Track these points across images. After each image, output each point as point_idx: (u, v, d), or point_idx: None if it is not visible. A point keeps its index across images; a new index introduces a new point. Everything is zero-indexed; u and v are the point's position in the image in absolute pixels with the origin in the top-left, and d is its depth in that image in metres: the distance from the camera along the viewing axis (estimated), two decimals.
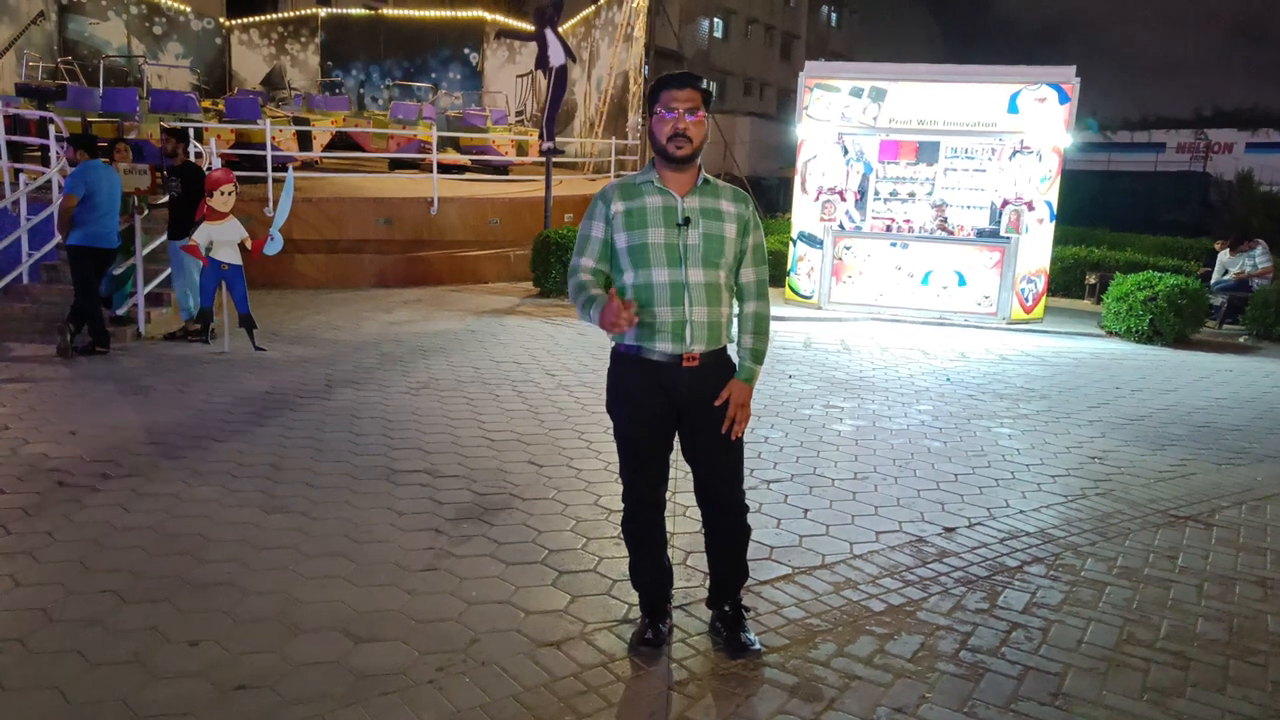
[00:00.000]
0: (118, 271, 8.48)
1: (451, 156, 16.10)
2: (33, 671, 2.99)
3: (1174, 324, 10.42)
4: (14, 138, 10.56)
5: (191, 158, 8.67)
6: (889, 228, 11.93)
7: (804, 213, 12.34)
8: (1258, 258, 12.40)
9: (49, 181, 9.46)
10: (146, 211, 8.84)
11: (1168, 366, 9.26)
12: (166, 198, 9.39)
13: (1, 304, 8.76)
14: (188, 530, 4.17)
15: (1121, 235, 19.56)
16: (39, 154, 11.20)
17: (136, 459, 5.12)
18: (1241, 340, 11.27)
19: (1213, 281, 12.74)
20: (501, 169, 16.93)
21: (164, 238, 8.98)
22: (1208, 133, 37.67)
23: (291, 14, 27.30)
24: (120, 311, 8.59)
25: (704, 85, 3.03)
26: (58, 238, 8.69)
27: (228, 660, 3.09)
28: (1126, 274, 11.51)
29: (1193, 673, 3.29)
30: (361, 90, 24.95)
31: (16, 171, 10.00)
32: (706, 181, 3.09)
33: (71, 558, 3.84)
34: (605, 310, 2.87)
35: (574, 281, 3.08)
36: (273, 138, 12.34)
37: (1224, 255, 12.90)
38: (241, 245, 7.91)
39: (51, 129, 9.81)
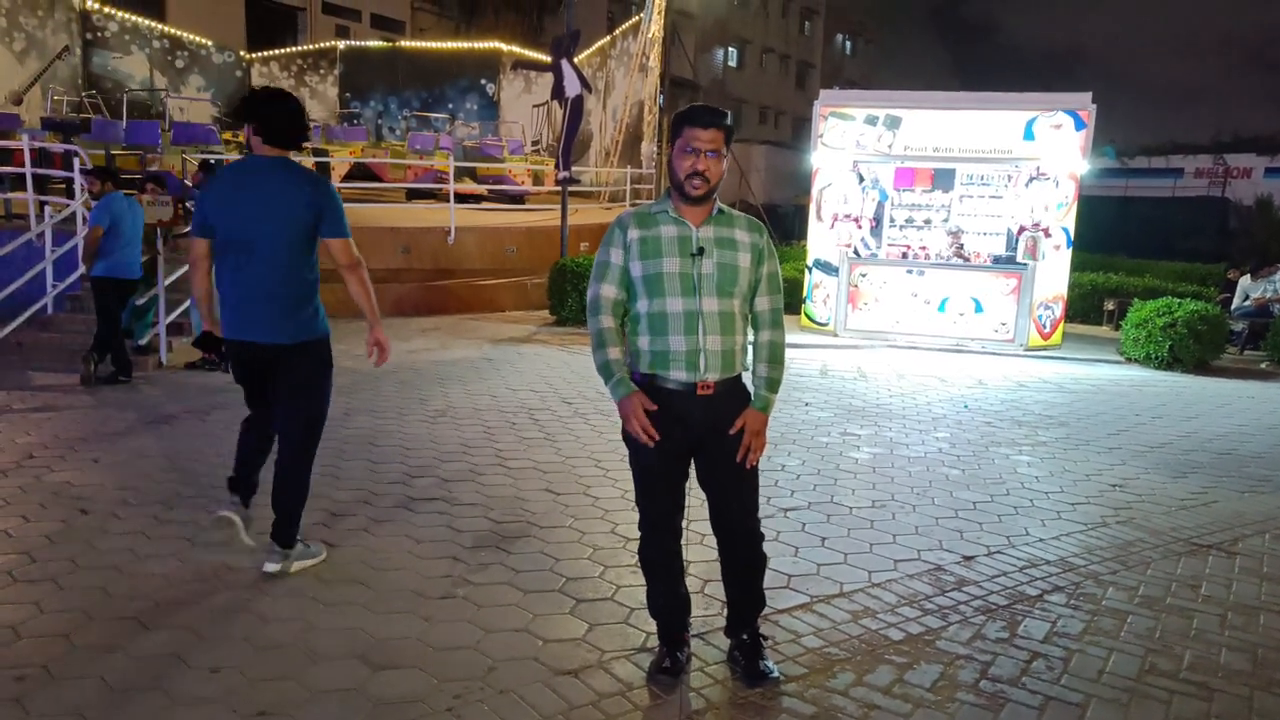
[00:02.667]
0: (140, 302, 8.59)
1: (468, 186, 16.28)
2: (56, 697, 3.01)
3: (1194, 350, 10.35)
4: (40, 170, 10.76)
5: None
6: (905, 255, 11.94)
7: (819, 240, 12.37)
8: (1278, 283, 12.32)
9: (73, 213, 9.62)
10: (170, 242, 8.97)
11: (1188, 393, 9.20)
12: (189, 228, 9.53)
13: (26, 333, 8.88)
14: (208, 557, 4.20)
15: (1140, 261, 19.47)
16: (64, 186, 11.40)
17: (158, 487, 5.17)
18: (1263, 366, 11.17)
19: (1233, 307, 12.66)
20: (518, 198, 17.09)
21: (186, 268, 9.09)
22: (1226, 158, 37.49)
23: (311, 46, 27.77)
24: (142, 341, 8.69)
25: (727, 123, 3.05)
26: (82, 269, 8.83)
27: (247, 687, 3.11)
28: (1145, 300, 11.47)
29: (1216, 704, 3.25)
30: (379, 121, 25.28)
31: (42, 204, 10.17)
32: (721, 211, 3.11)
33: (94, 584, 3.87)
34: (628, 404, 3.01)
35: (595, 324, 3.10)
36: None
37: (1245, 281, 12.83)
38: None
39: (76, 162, 9.98)
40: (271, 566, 4.00)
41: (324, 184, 4.17)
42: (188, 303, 8.95)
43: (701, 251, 3.03)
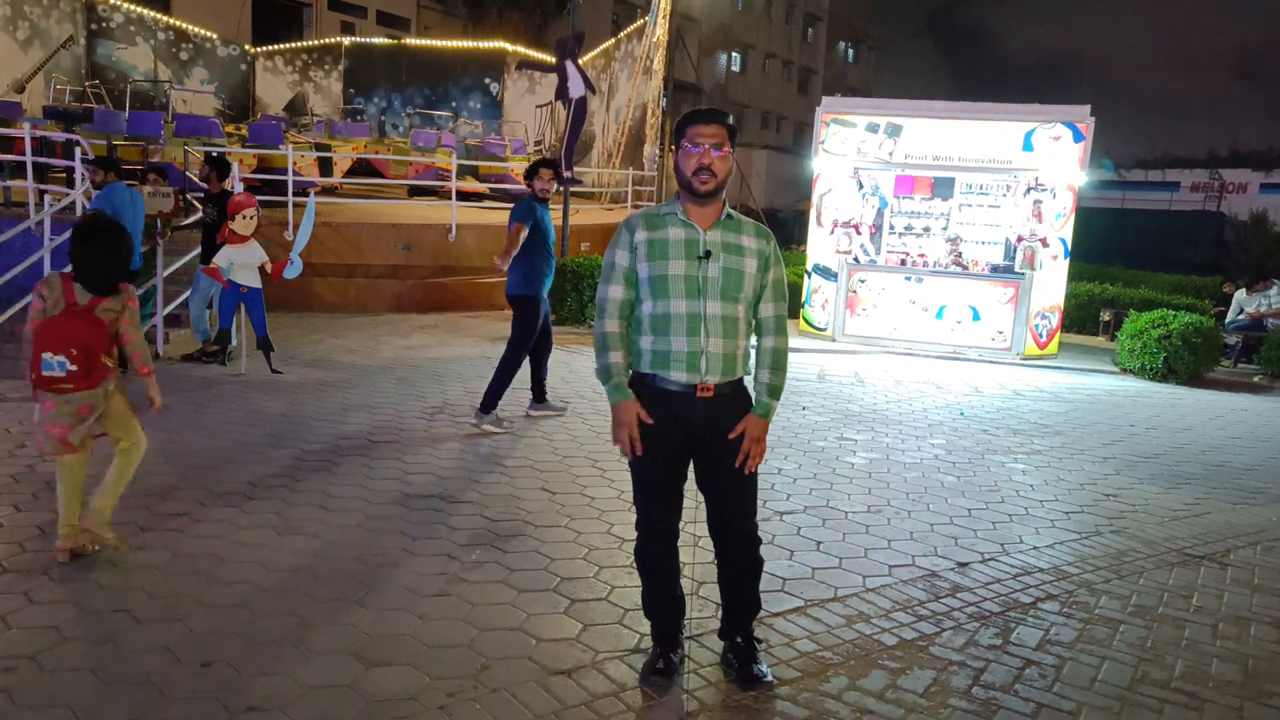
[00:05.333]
0: (138, 293, 8.58)
1: (470, 184, 16.26)
2: (45, 689, 3.01)
3: (1188, 362, 10.39)
4: (40, 159, 10.74)
5: (229, 187, 8.78)
6: (904, 262, 11.96)
7: (819, 245, 12.39)
8: (1273, 297, 12.35)
9: (73, 202, 9.60)
10: (169, 234, 8.96)
11: (1182, 405, 9.22)
12: (189, 220, 9.51)
13: (23, 323, 8.84)
14: (202, 551, 4.20)
15: (1136, 273, 19.52)
16: (64, 175, 11.38)
17: (152, 479, 5.16)
18: (1256, 380, 11.20)
19: (1228, 321, 12.69)
20: (519, 197, 17.08)
21: (186, 259, 9.11)
22: (1222, 173, 37.59)
23: (316, 42, 27.78)
24: None
25: (730, 121, 3.07)
26: None
27: (239, 682, 3.10)
28: (1141, 311, 11.49)
29: (1207, 714, 3.26)
30: (382, 118, 25.29)
31: (41, 193, 10.16)
32: (730, 216, 3.12)
33: (85, 576, 3.87)
34: (624, 410, 3.04)
35: (600, 326, 3.12)
36: (294, 163, 12.50)
37: (1240, 294, 12.87)
38: (261, 269, 8.00)
39: (77, 151, 9.96)
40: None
41: None
42: (185, 294, 8.94)
43: (708, 255, 3.04)
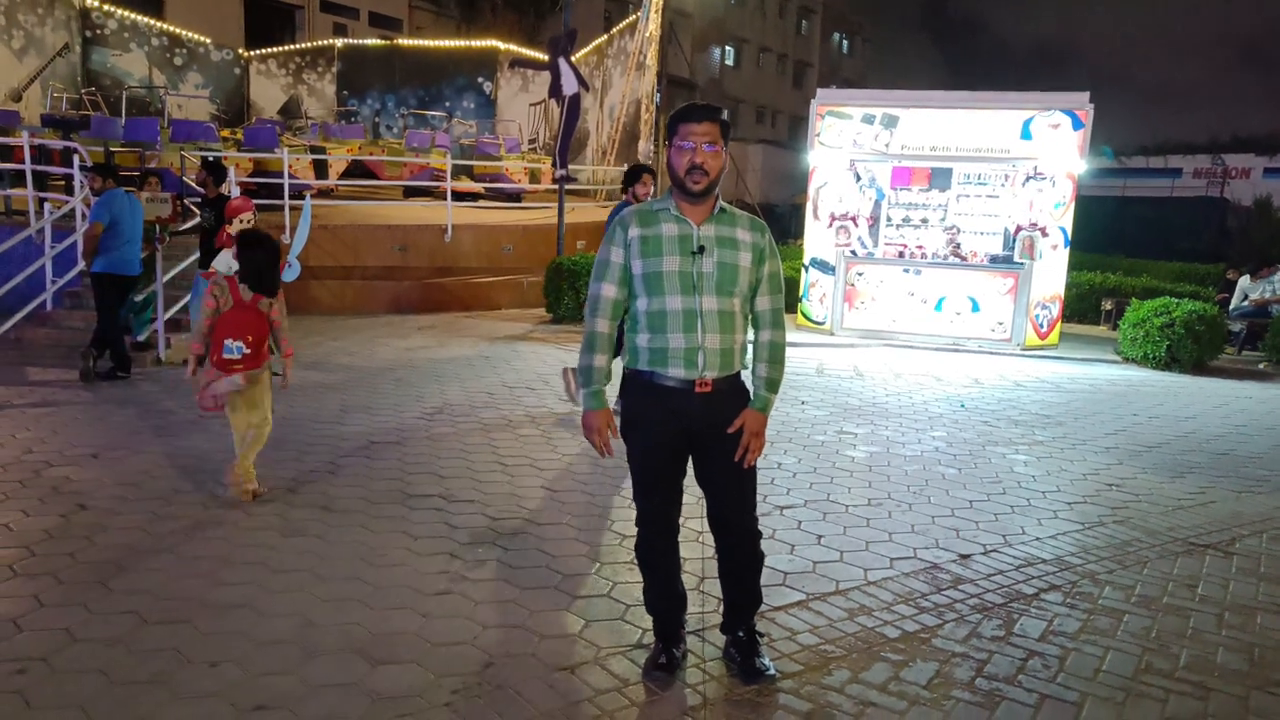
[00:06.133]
0: (139, 298, 8.59)
1: (465, 184, 16.25)
2: (56, 690, 3.02)
3: (1192, 350, 10.38)
4: (39, 167, 10.74)
5: (225, 192, 8.78)
6: (902, 254, 11.96)
7: (816, 239, 12.39)
8: (1277, 283, 12.36)
9: (72, 210, 9.61)
10: (168, 239, 8.96)
11: (1185, 393, 9.22)
12: (187, 225, 9.51)
13: (25, 329, 8.88)
14: (207, 553, 4.21)
15: (1138, 261, 19.50)
16: (63, 183, 11.38)
17: (156, 482, 5.17)
18: (1261, 367, 11.20)
19: (1231, 308, 12.69)
20: (515, 196, 17.08)
21: (185, 264, 9.11)
22: (1224, 158, 37.54)
23: (309, 44, 27.75)
24: (141, 338, 8.68)
25: (723, 117, 3.07)
26: (81, 265, 8.83)
27: (247, 681, 3.12)
28: (1143, 300, 11.49)
29: (1212, 703, 3.26)
30: (377, 119, 25.26)
31: (41, 200, 10.16)
32: (723, 210, 3.12)
33: (93, 579, 3.88)
34: (596, 417, 3.08)
35: (590, 324, 3.12)
36: (290, 166, 12.50)
37: (1244, 281, 12.86)
38: None
39: (75, 158, 9.97)
40: None
41: None
42: (186, 299, 8.95)
43: (702, 250, 3.03)
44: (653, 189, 6.98)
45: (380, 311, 12.29)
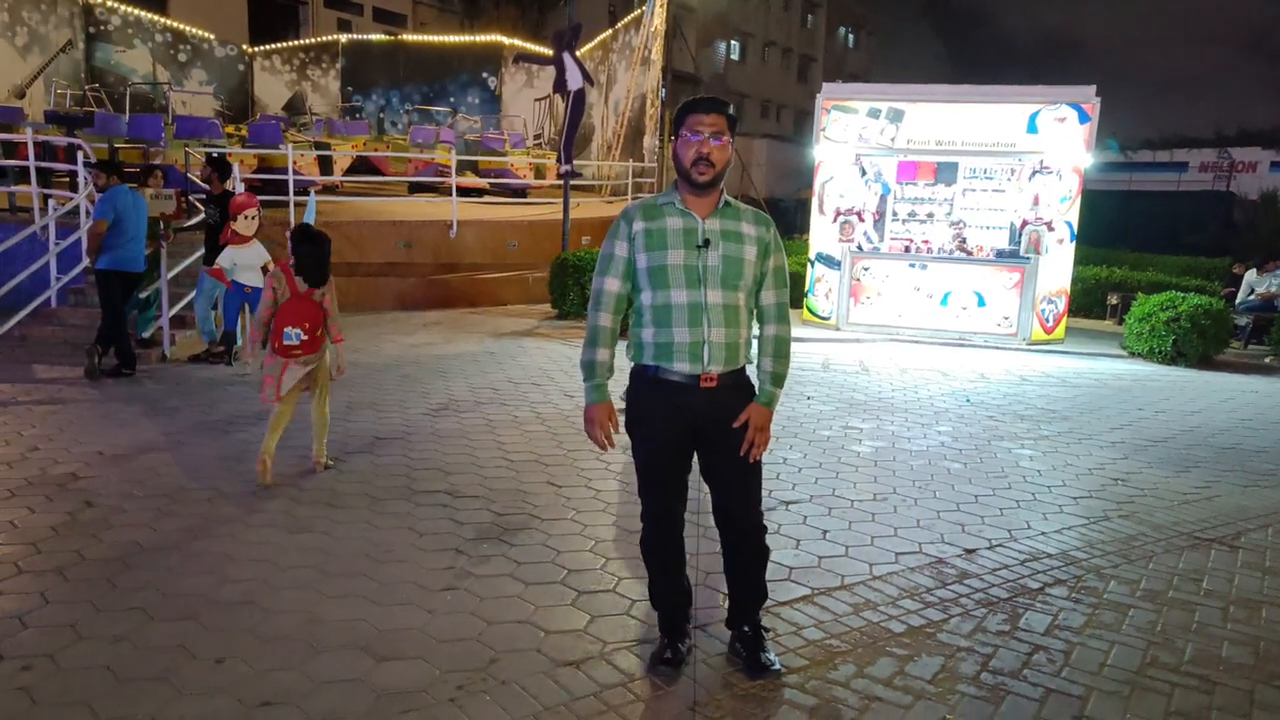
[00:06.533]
0: (143, 295, 8.60)
1: (470, 180, 16.25)
2: (63, 687, 3.03)
3: (1197, 345, 10.34)
4: (43, 164, 10.76)
5: (230, 188, 8.78)
6: (907, 248, 11.92)
7: (822, 234, 12.36)
8: None
9: (77, 207, 9.63)
10: (173, 236, 8.98)
11: (1191, 388, 9.19)
12: (192, 222, 9.52)
13: (30, 327, 8.90)
14: (212, 549, 4.22)
15: (1143, 255, 19.43)
16: (67, 180, 11.41)
17: (162, 479, 5.19)
18: (1267, 361, 11.16)
19: (1238, 302, 12.65)
20: (519, 192, 17.07)
21: (189, 261, 9.13)
22: (1231, 152, 37.38)
23: (313, 40, 27.76)
24: (145, 334, 8.70)
25: (730, 110, 3.06)
26: (86, 262, 8.84)
27: (253, 677, 3.13)
28: (1149, 294, 11.45)
29: (1217, 697, 3.26)
30: (381, 115, 25.28)
31: (45, 197, 10.18)
32: (728, 204, 3.11)
33: (100, 576, 3.89)
34: (597, 410, 3.08)
35: (593, 319, 3.13)
36: (294, 162, 12.51)
37: (1250, 275, 12.81)
38: (264, 269, 8.01)
39: (79, 155, 9.98)
40: None
41: None
42: (190, 296, 8.97)
43: (707, 243, 3.03)
44: None
45: (385, 308, 12.30)
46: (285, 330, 5.14)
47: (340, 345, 5.40)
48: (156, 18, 23.85)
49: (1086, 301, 15.07)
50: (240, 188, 10.72)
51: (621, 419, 3.17)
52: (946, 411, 7.66)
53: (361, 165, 16.90)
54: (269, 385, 5.17)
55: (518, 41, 26.19)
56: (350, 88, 25.73)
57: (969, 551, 4.55)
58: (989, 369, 9.75)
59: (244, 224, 7.90)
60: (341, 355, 5.40)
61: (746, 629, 3.33)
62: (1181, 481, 5.93)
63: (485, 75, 25.62)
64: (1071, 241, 11.59)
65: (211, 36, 25.18)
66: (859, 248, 11.96)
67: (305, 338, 5.18)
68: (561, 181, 13.77)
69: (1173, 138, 40.05)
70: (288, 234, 5.36)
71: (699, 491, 3.28)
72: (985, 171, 11.72)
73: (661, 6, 18.61)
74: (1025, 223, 11.43)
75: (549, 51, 13.57)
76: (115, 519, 4.56)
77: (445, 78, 25.56)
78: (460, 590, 3.88)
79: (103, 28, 22.29)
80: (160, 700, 2.97)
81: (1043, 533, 4.86)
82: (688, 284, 3.01)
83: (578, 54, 13.39)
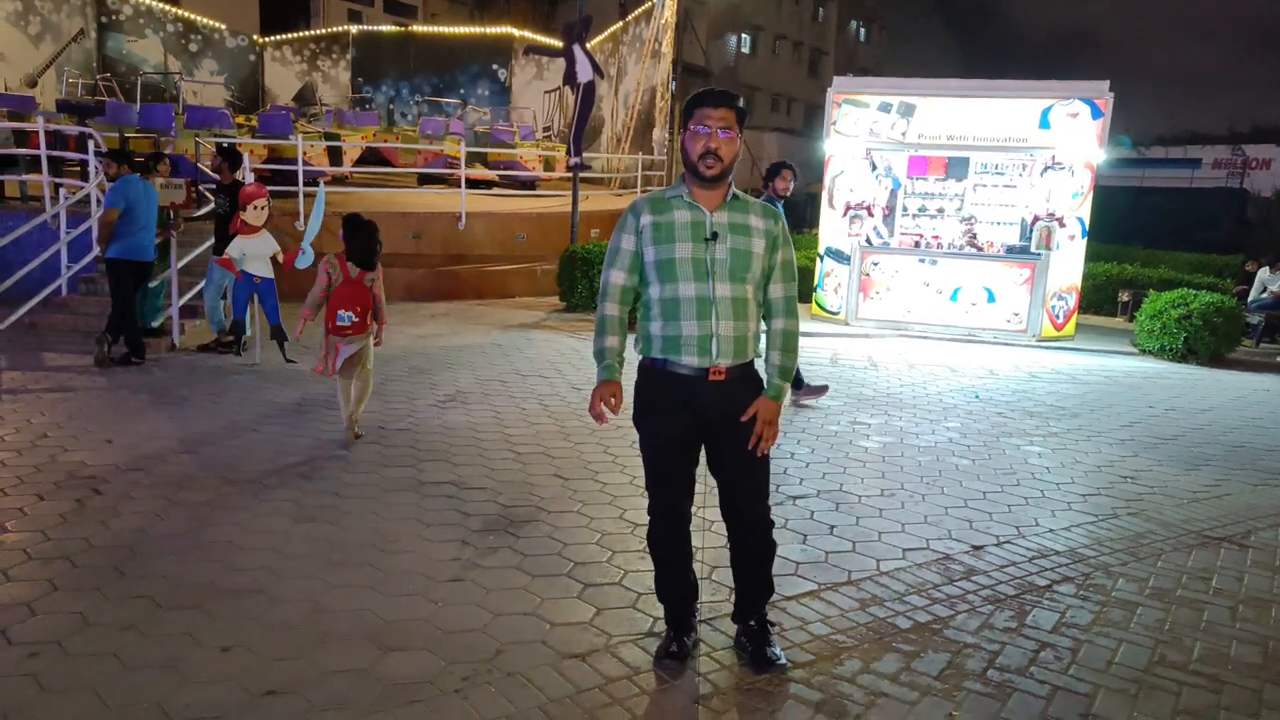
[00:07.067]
0: (153, 284, 8.62)
1: (479, 172, 16.24)
2: (70, 674, 3.04)
3: (1209, 342, 10.29)
4: (54, 153, 10.79)
5: (240, 178, 8.79)
6: (917, 244, 11.88)
7: (831, 228, 12.32)
8: None
9: (87, 196, 9.65)
10: (183, 225, 8.99)
11: (1202, 386, 9.14)
12: (202, 211, 9.54)
13: (41, 315, 8.94)
14: (220, 538, 4.23)
15: (1155, 252, 19.35)
16: (78, 169, 11.43)
17: (170, 468, 5.20)
18: (1279, 359, 11.09)
19: (1250, 300, 12.58)
20: (529, 184, 17.06)
21: (199, 251, 9.16)
22: (1245, 148, 37.17)
23: (323, 31, 27.75)
24: (155, 324, 8.72)
25: (739, 104, 3.04)
26: (96, 250, 8.87)
27: (258, 666, 3.13)
28: (1160, 291, 11.39)
29: (1225, 696, 3.24)
30: (391, 106, 25.25)
31: (56, 186, 10.21)
32: (736, 197, 3.10)
33: (107, 563, 3.90)
34: (605, 387, 3.06)
35: (601, 310, 3.13)
36: (304, 153, 12.52)
37: (1263, 273, 12.74)
38: (274, 259, 8.02)
39: (90, 144, 10.01)
40: None
41: None
42: (200, 285, 8.99)
43: (715, 236, 3.02)
44: (792, 184, 7.24)
45: (393, 299, 12.27)
46: (339, 313, 5.58)
47: (384, 325, 5.89)
48: (168, 8, 23.87)
49: (1097, 298, 15.01)
50: (250, 178, 10.74)
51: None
52: (955, 407, 7.63)
53: (371, 156, 16.91)
54: (323, 361, 5.68)
55: (528, 33, 26.13)
56: (360, 79, 25.71)
57: (976, 548, 4.54)
58: (998, 365, 9.72)
59: (253, 214, 7.91)
60: (383, 332, 5.89)
61: (753, 623, 3.32)
62: (1191, 479, 5.90)
63: (495, 67, 25.57)
64: (1083, 238, 11.53)
65: (223, 27, 25.19)
66: (869, 242, 11.92)
67: (355, 320, 5.61)
68: (571, 174, 13.75)
69: (1186, 134, 39.91)
70: (344, 221, 5.74)
71: (706, 485, 3.27)
72: (996, 167, 11.67)
73: None
74: (1036, 218, 11.38)
75: (559, 44, 13.57)
76: (123, 507, 4.57)
77: (455, 69, 25.52)
78: (466, 581, 3.88)
79: (114, 17, 22.32)
80: (166, 688, 2.98)
81: (1051, 530, 4.84)
82: (696, 277, 3.00)
83: (588, 46, 13.36)
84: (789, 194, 7.24)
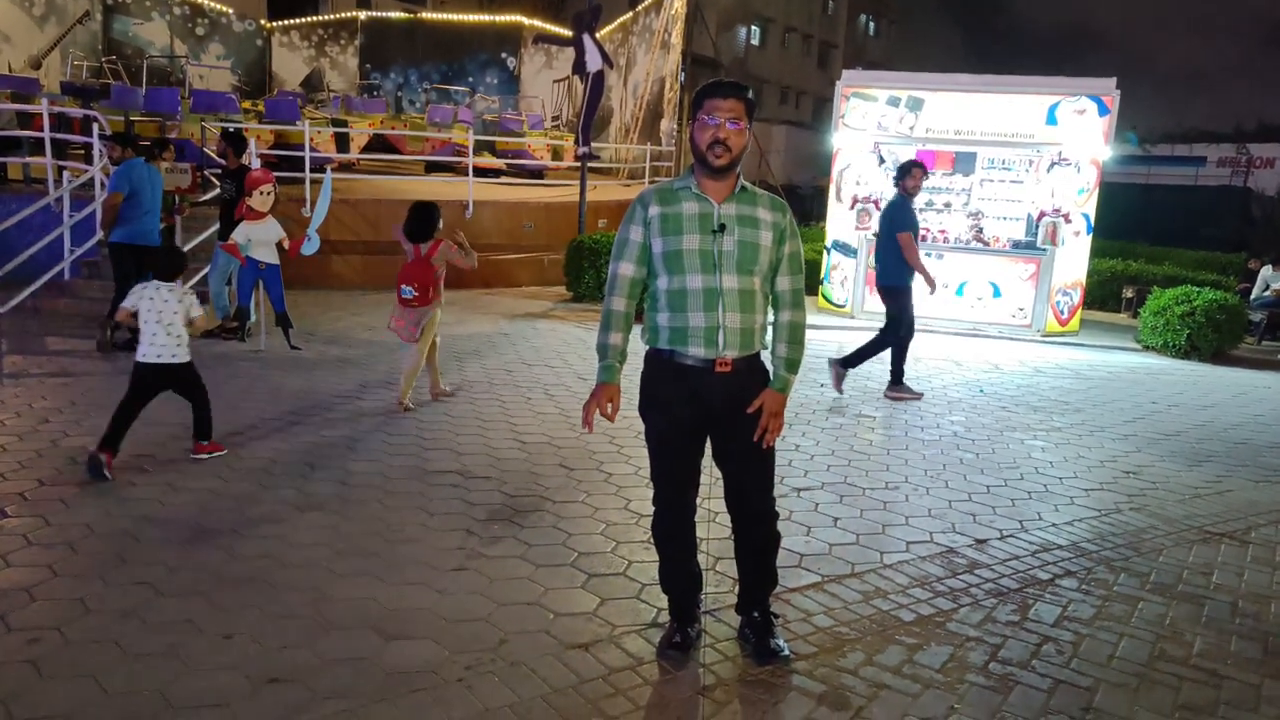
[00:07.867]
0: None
1: (487, 160, 16.20)
2: (70, 661, 3.05)
3: (1212, 339, 10.27)
4: (58, 135, 10.77)
5: (246, 163, 8.76)
6: (924, 238, 11.83)
7: (838, 221, 12.29)
8: None
9: (91, 179, 9.64)
10: (188, 210, 8.99)
11: (1205, 382, 9.13)
12: (207, 196, 9.53)
13: (44, 299, 8.94)
14: (223, 525, 4.24)
15: (1160, 249, 19.29)
16: (83, 152, 11.42)
17: (173, 454, 5.21)
18: None
19: (1253, 297, 12.54)
20: (536, 173, 17.02)
21: (204, 236, 9.15)
22: (1250, 147, 37.05)
23: (332, 16, 27.65)
24: None
25: (748, 95, 3.03)
26: (99, 234, 8.86)
27: (261, 654, 3.14)
28: (1164, 288, 11.36)
29: (1225, 691, 3.24)
30: (399, 93, 25.17)
31: (60, 169, 10.19)
32: (744, 189, 3.09)
33: (109, 550, 3.91)
34: (605, 390, 3.09)
35: (607, 303, 3.13)
36: (311, 139, 12.49)
37: (1266, 271, 12.70)
38: (279, 245, 8.01)
39: (95, 127, 9.99)
40: None
41: None
42: (204, 271, 8.99)
43: (723, 228, 3.01)
44: (923, 181, 7.45)
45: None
46: (402, 287, 6.30)
47: (473, 262, 6.75)
48: None
49: (1102, 294, 14.98)
50: (256, 163, 10.72)
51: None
52: (959, 401, 7.62)
53: (378, 143, 16.86)
54: (404, 328, 6.34)
55: (537, 22, 26.03)
56: (368, 65, 25.63)
57: (980, 541, 4.54)
58: (1003, 360, 9.70)
59: (259, 200, 7.90)
60: (472, 257, 6.73)
61: (756, 615, 3.33)
62: (1193, 475, 5.89)
63: (504, 55, 25.49)
64: (1088, 234, 11.50)
65: (230, 11, 25.10)
66: (875, 235, 11.88)
67: (416, 294, 6.26)
68: (579, 164, 13.72)
69: (1191, 132, 39.77)
70: (408, 207, 6.56)
71: (711, 476, 3.27)
72: (1003, 162, 11.63)
73: None
74: (1042, 214, 11.34)
75: (569, 33, 13.51)
76: (125, 493, 4.58)
77: (464, 57, 25.44)
78: (470, 571, 3.88)
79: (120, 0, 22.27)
80: (168, 675, 2.99)
81: (1053, 524, 4.84)
82: (703, 269, 3.00)
83: (597, 36, 13.31)
84: (919, 192, 7.45)
